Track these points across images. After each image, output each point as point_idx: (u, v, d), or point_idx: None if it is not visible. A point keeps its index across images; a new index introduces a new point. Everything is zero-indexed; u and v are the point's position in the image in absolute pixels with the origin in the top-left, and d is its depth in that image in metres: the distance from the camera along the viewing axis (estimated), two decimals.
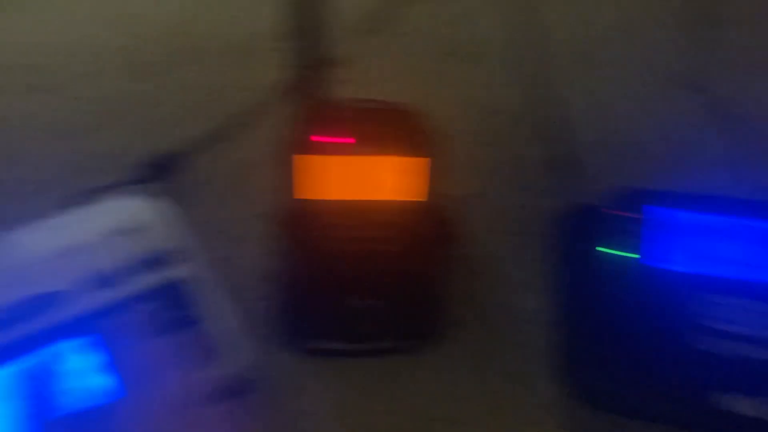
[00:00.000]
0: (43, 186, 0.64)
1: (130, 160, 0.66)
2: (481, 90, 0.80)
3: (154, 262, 0.43)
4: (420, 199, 0.48)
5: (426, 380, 0.51)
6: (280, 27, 0.69)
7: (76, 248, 0.43)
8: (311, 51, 0.50)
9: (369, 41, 0.82)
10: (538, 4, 0.90)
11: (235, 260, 0.57)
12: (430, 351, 0.52)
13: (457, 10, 0.90)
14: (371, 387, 0.51)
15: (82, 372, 0.39)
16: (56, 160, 0.67)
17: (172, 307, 0.41)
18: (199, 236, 0.46)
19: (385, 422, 0.49)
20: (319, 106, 0.47)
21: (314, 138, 0.45)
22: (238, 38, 0.82)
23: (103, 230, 0.44)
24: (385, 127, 0.47)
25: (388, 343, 0.51)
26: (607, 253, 0.51)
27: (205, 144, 0.70)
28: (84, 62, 0.78)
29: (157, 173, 0.64)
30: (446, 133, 0.50)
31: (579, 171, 0.68)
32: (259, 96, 0.74)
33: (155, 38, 0.81)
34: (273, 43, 0.73)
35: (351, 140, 0.46)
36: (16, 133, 0.69)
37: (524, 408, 0.50)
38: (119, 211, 0.46)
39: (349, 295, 0.46)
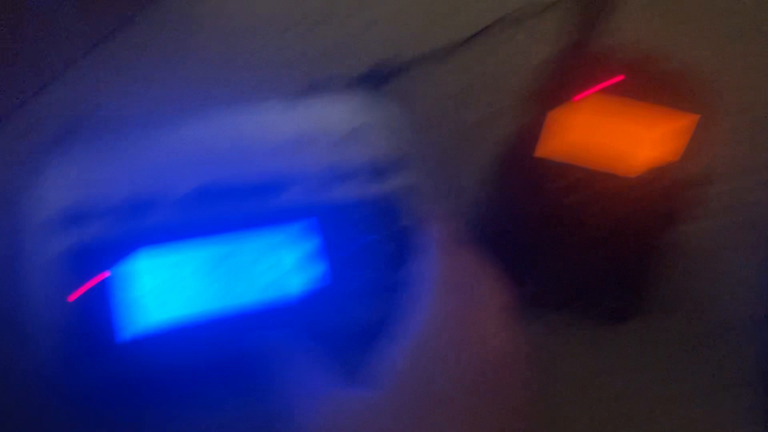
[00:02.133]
0: (273, 72, 0.64)
1: (358, 58, 0.66)
2: None
3: (378, 167, 0.44)
4: (667, 166, 0.45)
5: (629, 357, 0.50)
6: None
7: (306, 139, 0.44)
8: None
9: None
10: None
11: (449, 185, 0.55)
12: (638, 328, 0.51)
13: None
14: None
15: (292, 260, 0.41)
16: (285, 51, 0.67)
17: (390, 214, 0.43)
18: (420, 148, 0.46)
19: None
20: (584, 58, 0.45)
21: (577, 92, 0.43)
22: None
23: (333, 126, 0.46)
24: (651, 78, 0.44)
25: (604, 310, 0.51)
26: None
27: (442, 55, 0.68)
28: None
29: (384, 76, 0.63)
30: (721, 94, 0.45)
31: None
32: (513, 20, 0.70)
33: None
34: None
35: (613, 92, 0.44)
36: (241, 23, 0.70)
37: (725, 407, 0.49)
38: (347, 109, 0.47)
39: (569, 258, 0.46)
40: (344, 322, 0.42)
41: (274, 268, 0.41)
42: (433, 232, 0.37)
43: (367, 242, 0.42)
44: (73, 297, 0.38)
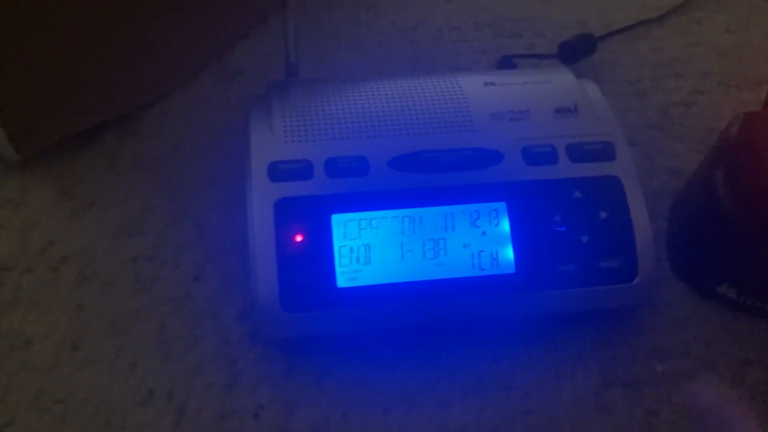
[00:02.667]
0: (461, 37, 0.63)
1: (548, 30, 0.64)
2: None
3: (585, 149, 0.42)
4: None
5: None
6: None
7: (515, 113, 0.43)
8: None
9: None
10: None
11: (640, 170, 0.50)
12: None
13: None
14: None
15: (484, 237, 0.40)
16: (474, 14, 0.65)
17: (592, 203, 0.40)
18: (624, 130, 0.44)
19: None
20: None
21: None
22: None
23: (541, 102, 0.44)
24: None
25: None
26: None
27: (641, 30, 0.65)
28: None
29: (577, 52, 0.60)
30: None
31: None
32: None
33: None
34: None
35: None
36: None
37: None
38: (554, 85, 0.45)
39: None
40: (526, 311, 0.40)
41: (468, 245, 0.39)
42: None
43: (561, 231, 0.40)
44: (297, 238, 0.38)
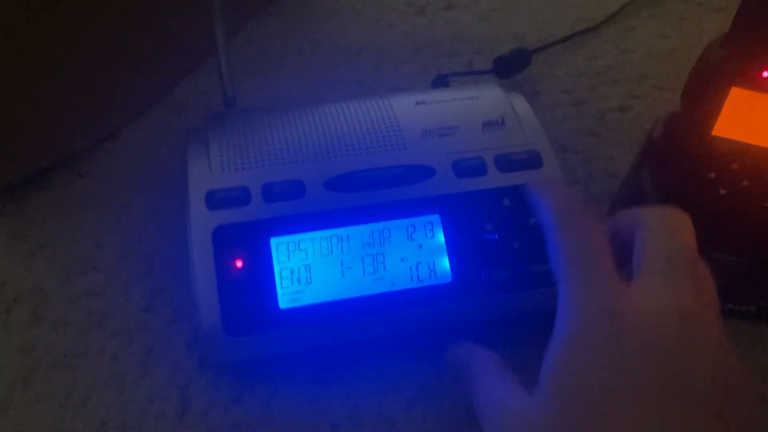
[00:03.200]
0: (402, 60, 0.65)
1: (486, 47, 0.66)
2: None
3: (513, 159, 0.43)
4: None
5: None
6: None
7: (444, 129, 0.45)
8: None
9: None
10: None
11: (578, 174, 0.55)
12: None
13: None
14: None
15: (421, 250, 0.41)
16: (413, 37, 0.68)
17: (522, 210, 0.41)
18: (550, 141, 0.45)
19: None
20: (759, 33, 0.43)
21: (766, 73, 0.41)
22: None
23: (470, 117, 0.46)
24: None
25: (749, 307, 0.48)
26: None
27: (575, 41, 0.67)
28: None
29: (511, 67, 0.62)
30: None
31: None
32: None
33: None
34: None
35: None
36: (376, 6, 0.71)
37: None
38: (483, 100, 0.47)
39: (718, 248, 0.44)
40: (465, 319, 0.41)
41: (406, 258, 0.41)
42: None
43: (494, 239, 0.41)
44: (238, 263, 0.39)
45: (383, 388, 0.42)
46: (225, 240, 0.39)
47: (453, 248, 0.41)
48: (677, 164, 0.46)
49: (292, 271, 0.40)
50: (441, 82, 0.60)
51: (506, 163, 0.43)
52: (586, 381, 0.29)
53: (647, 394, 0.28)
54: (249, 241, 0.40)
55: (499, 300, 0.41)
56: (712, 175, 0.44)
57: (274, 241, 0.40)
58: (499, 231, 0.41)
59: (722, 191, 0.44)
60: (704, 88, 0.43)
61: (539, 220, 0.35)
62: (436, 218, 0.41)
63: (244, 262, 0.39)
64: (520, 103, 0.47)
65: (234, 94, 0.47)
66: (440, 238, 0.41)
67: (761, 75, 0.41)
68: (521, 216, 0.42)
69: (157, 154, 0.55)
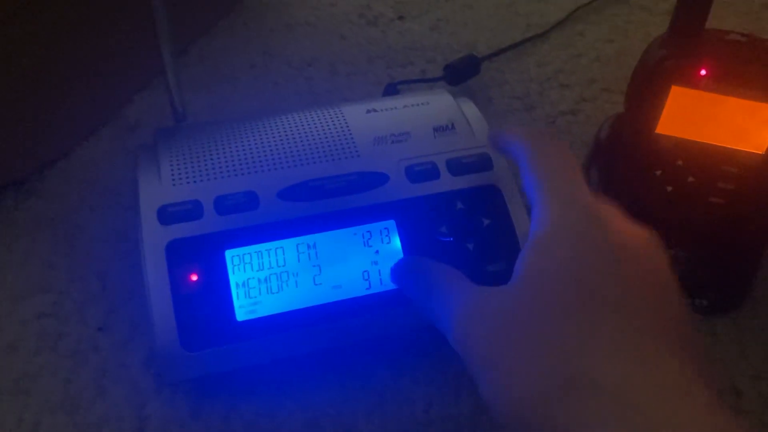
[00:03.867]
0: (358, 72, 0.65)
1: (438, 56, 0.67)
2: None
3: (464, 164, 0.44)
4: (757, 152, 0.44)
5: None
6: None
7: (394, 135, 0.45)
8: None
9: None
10: None
11: None
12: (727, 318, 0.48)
13: None
14: None
15: (378, 256, 0.41)
16: (366, 48, 0.68)
17: (474, 211, 0.42)
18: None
19: None
20: (706, 36, 0.44)
21: (703, 71, 0.42)
22: None
23: (419, 123, 0.46)
24: (762, 66, 0.43)
25: (701, 301, 0.49)
26: None
27: (523, 47, 0.68)
28: None
29: (463, 73, 0.63)
30: None
31: None
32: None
33: None
34: None
35: (731, 76, 0.43)
36: (328, 19, 0.71)
37: None
38: (432, 106, 0.48)
39: (667, 243, 0.44)
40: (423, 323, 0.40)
41: (363, 265, 0.41)
42: None
43: (449, 241, 0.42)
44: (193, 277, 0.39)
45: (342, 396, 0.42)
46: (178, 254, 0.39)
47: (409, 252, 0.41)
48: (624, 163, 0.47)
49: (248, 283, 0.39)
50: (391, 90, 0.60)
51: (458, 166, 0.44)
52: (560, 270, 0.29)
53: (611, 289, 0.28)
54: (203, 254, 0.39)
55: None
56: (658, 172, 0.45)
57: (228, 254, 0.39)
58: (453, 233, 0.42)
59: (668, 188, 0.45)
60: (646, 87, 0.44)
61: (512, 155, 0.36)
62: (391, 224, 0.42)
63: (198, 276, 0.39)
64: (470, 108, 0.48)
65: (184, 109, 0.47)
66: (396, 243, 0.41)
67: (699, 73, 0.42)
68: (474, 218, 0.42)
69: (109, 172, 0.54)
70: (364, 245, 0.41)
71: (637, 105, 0.45)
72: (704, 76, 0.42)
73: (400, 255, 0.41)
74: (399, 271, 0.39)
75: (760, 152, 0.44)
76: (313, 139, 0.44)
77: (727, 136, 0.44)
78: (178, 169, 0.42)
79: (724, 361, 0.45)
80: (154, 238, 0.39)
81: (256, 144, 0.44)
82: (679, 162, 0.45)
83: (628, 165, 0.47)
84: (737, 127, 0.43)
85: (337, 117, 0.46)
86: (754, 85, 0.42)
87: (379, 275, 0.41)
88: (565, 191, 0.32)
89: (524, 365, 0.28)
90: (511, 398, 0.28)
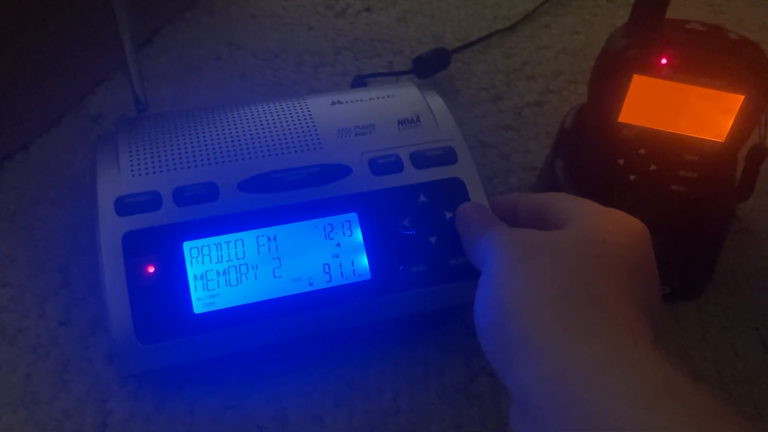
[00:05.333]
0: (324, 63, 0.65)
1: (406, 48, 0.67)
2: None
3: (428, 156, 0.44)
4: (734, 141, 0.45)
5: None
6: None
7: (359, 128, 0.45)
8: None
9: None
10: None
11: (498, 168, 0.56)
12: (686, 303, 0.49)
13: None
14: None
15: (341, 248, 0.41)
16: (336, 41, 0.67)
17: (439, 205, 0.42)
18: (467, 137, 0.46)
19: None
20: (667, 25, 0.44)
21: (663, 60, 0.43)
22: None
23: (384, 116, 0.46)
24: (722, 56, 0.43)
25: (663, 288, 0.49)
26: None
27: (490, 40, 0.68)
28: None
29: (431, 66, 0.63)
30: None
31: None
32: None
33: None
34: None
35: (692, 65, 0.43)
36: (295, 9, 0.71)
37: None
38: (398, 99, 0.47)
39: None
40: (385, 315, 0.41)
41: (325, 258, 0.40)
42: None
43: (411, 235, 0.42)
44: (150, 269, 0.38)
45: (310, 387, 0.42)
46: (135, 246, 0.38)
47: (371, 245, 0.41)
48: (588, 152, 0.47)
49: (206, 275, 0.39)
50: (359, 83, 0.60)
51: (422, 159, 0.43)
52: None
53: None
54: (160, 246, 0.39)
55: (419, 294, 0.41)
56: (621, 161, 0.45)
57: (186, 245, 0.39)
58: (416, 226, 0.42)
59: (631, 176, 0.46)
60: (607, 76, 0.44)
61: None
62: (353, 216, 0.41)
63: (156, 268, 0.38)
64: (436, 101, 0.47)
65: (146, 99, 0.47)
66: (358, 236, 0.41)
67: (660, 62, 0.42)
68: (437, 211, 0.42)
69: (69, 164, 0.53)
70: (326, 238, 0.41)
71: (599, 94, 0.45)
72: (665, 65, 0.42)
73: (362, 248, 0.41)
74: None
75: (720, 140, 0.44)
76: (276, 131, 0.44)
77: (688, 125, 0.44)
78: (137, 159, 0.42)
79: (686, 346, 0.46)
80: (111, 229, 0.39)
81: (217, 135, 0.43)
82: (642, 150, 0.45)
83: (591, 154, 0.47)
84: (698, 115, 0.44)
85: (301, 108, 0.46)
86: (714, 74, 0.42)
87: (341, 268, 0.40)
88: (498, 233, 0.35)
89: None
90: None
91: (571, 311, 0.29)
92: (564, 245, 0.32)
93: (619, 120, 0.44)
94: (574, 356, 0.27)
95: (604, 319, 0.29)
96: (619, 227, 0.34)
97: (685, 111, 0.44)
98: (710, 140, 0.44)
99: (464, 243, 0.40)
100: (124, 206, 0.39)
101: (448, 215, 0.42)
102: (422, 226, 0.42)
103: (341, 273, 0.40)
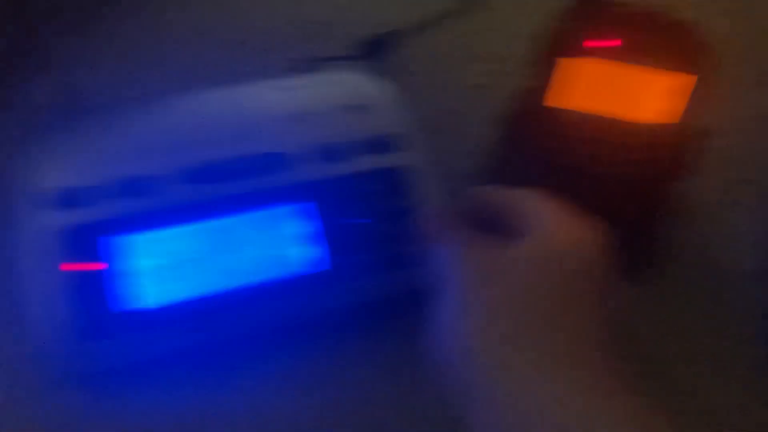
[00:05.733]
0: (267, 48, 0.62)
1: (353, 32, 0.64)
2: None
3: (377, 143, 0.43)
4: (672, 122, 0.45)
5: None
6: None
7: (303, 115, 0.43)
8: None
9: None
10: None
11: (447, 153, 0.53)
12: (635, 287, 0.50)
13: None
14: None
15: (290, 239, 0.40)
16: (281, 24, 0.65)
17: (389, 193, 0.41)
18: (416, 123, 0.45)
19: None
20: (592, 6, 0.45)
21: (586, 42, 0.43)
22: None
23: (330, 102, 0.44)
24: (655, 36, 0.44)
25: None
26: None
27: (439, 24, 0.67)
28: None
29: (379, 50, 0.62)
30: (720, 51, 0.45)
31: None
32: None
33: None
34: None
35: (620, 47, 0.43)
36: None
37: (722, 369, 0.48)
38: (344, 85, 0.46)
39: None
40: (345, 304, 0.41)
41: (273, 249, 0.40)
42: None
43: (367, 223, 0.41)
44: (67, 267, 0.36)
45: (281, 377, 0.41)
46: (60, 243, 0.36)
47: (320, 235, 0.40)
48: (523, 137, 0.47)
49: (137, 272, 0.37)
50: (307, 68, 0.58)
51: (370, 146, 0.42)
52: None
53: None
54: (89, 242, 0.37)
55: (377, 282, 0.40)
56: (553, 144, 0.45)
57: (117, 241, 0.37)
58: (367, 214, 0.41)
59: (563, 160, 0.45)
60: (537, 60, 0.44)
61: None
62: (299, 206, 0.40)
63: (84, 265, 0.36)
64: (383, 87, 0.46)
65: (78, 90, 0.44)
66: (305, 226, 0.40)
67: (583, 45, 0.42)
68: (389, 198, 0.41)
69: None
70: (269, 228, 0.40)
71: (530, 78, 0.45)
72: (587, 48, 0.42)
73: (310, 238, 0.40)
74: None
75: (649, 122, 0.45)
76: (219, 119, 0.42)
77: (631, 108, 0.44)
78: (67, 152, 0.39)
79: (633, 325, 0.47)
80: (31, 225, 0.37)
81: (155, 125, 0.42)
82: (572, 134, 0.45)
83: (526, 138, 0.47)
84: (644, 97, 0.44)
85: (245, 96, 0.44)
86: (665, 56, 0.42)
87: (281, 259, 0.39)
88: (453, 252, 0.34)
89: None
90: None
91: (531, 352, 0.30)
92: (522, 269, 0.33)
93: (551, 104, 0.45)
94: (535, 404, 0.28)
95: (565, 362, 0.30)
96: (577, 241, 0.34)
97: (628, 93, 0.44)
98: (657, 123, 0.44)
99: (423, 251, 0.38)
100: (47, 201, 0.37)
101: (396, 204, 0.41)
102: (374, 214, 0.41)
103: (288, 264, 0.40)
